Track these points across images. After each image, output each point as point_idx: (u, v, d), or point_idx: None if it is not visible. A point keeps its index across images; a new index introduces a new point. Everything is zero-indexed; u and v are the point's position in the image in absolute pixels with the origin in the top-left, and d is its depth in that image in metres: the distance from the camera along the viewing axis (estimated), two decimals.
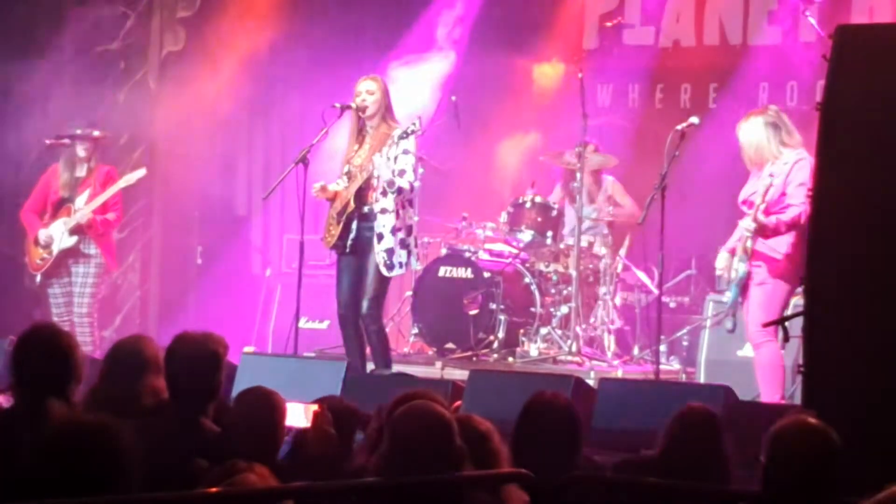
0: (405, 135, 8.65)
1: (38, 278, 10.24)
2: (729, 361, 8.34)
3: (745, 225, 7.95)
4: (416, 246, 8.98)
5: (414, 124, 8.67)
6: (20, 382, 5.06)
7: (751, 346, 8.30)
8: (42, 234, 10.11)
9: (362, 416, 5.37)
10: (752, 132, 8.13)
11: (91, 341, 9.89)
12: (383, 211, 8.71)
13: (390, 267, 8.70)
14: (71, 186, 10.14)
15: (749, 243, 8.00)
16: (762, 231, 7.97)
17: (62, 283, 10.15)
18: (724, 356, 8.43)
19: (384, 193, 8.69)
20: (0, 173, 11.57)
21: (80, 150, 10.16)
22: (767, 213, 7.99)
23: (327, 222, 8.98)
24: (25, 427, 4.80)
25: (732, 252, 8.21)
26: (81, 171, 10.17)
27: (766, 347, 8.03)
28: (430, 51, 11.72)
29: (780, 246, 8.04)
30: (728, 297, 8.25)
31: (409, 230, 8.83)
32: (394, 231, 8.70)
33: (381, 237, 8.70)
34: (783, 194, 8.00)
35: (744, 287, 8.12)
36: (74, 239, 10.04)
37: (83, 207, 10.02)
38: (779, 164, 8.05)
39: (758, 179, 8.14)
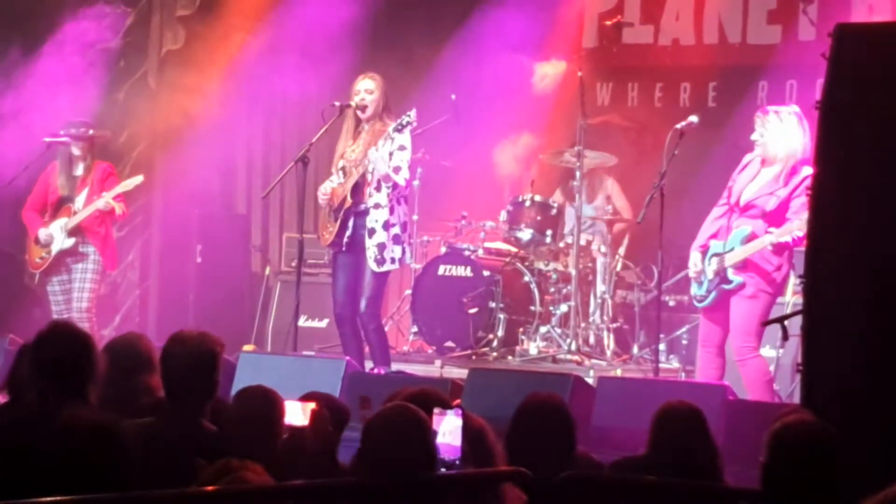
0: (400, 127, 8.63)
1: (37, 277, 10.24)
2: (728, 360, 8.33)
3: (770, 239, 7.89)
4: (411, 243, 8.95)
5: (408, 115, 8.65)
6: (39, 381, 5.02)
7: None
8: (42, 234, 10.10)
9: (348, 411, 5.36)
10: (789, 125, 8.04)
11: None
12: (376, 206, 8.70)
13: (381, 262, 8.68)
14: (69, 186, 10.13)
15: (740, 255, 7.97)
16: (779, 250, 7.96)
17: (62, 281, 10.15)
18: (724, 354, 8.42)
19: (378, 188, 8.68)
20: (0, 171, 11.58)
21: (76, 150, 10.14)
22: (771, 221, 7.97)
23: (323, 219, 8.97)
24: (44, 427, 4.77)
25: (704, 249, 8.20)
26: (79, 171, 10.17)
27: (752, 364, 8.01)
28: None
29: (774, 258, 8.02)
30: (697, 290, 8.22)
31: (405, 226, 8.81)
32: (386, 226, 8.68)
33: (372, 232, 8.68)
34: (787, 208, 7.98)
35: (723, 296, 8.09)
36: (73, 240, 10.04)
37: (82, 210, 10.01)
38: (786, 175, 8.02)
39: (752, 179, 8.10)
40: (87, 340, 5.09)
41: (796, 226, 7.78)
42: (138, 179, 10.18)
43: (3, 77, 11.47)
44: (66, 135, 10.16)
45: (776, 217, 7.96)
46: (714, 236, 8.19)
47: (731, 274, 8.00)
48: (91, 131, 10.25)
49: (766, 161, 8.07)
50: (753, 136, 8.10)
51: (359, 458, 4.33)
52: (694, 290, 8.29)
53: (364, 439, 4.31)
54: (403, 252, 8.77)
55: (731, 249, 8.02)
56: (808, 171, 7.90)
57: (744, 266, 7.98)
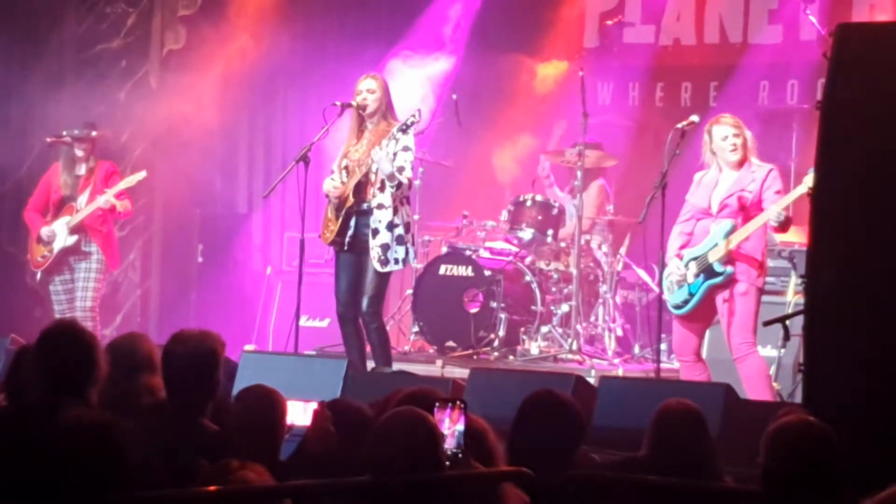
0: (405, 127, 8.61)
1: (39, 275, 10.24)
2: (729, 360, 8.33)
3: (775, 209, 7.92)
4: (414, 243, 8.94)
5: (413, 116, 8.63)
6: (43, 380, 5.00)
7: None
8: (44, 231, 10.09)
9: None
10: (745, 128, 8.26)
11: None
12: (380, 206, 8.68)
13: (384, 262, 8.66)
14: (71, 185, 10.13)
15: (732, 244, 8.02)
16: (787, 225, 8.02)
17: (64, 280, 10.14)
18: (725, 354, 8.42)
19: (382, 188, 8.67)
20: (2, 171, 11.58)
21: (78, 150, 10.15)
22: (747, 217, 8.05)
23: (325, 217, 8.96)
24: (43, 427, 4.76)
25: (679, 258, 8.25)
26: (81, 170, 10.17)
27: (750, 360, 8.04)
28: (432, 49, 11.71)
29: (756, 253, 8.07)
30: (676, 297, 8.25)
31: (408, 227, 8.80)
32: (390, 227, 8.67)
33: (376, 232, 8.67)
34: (760, 201, 8.05)
35: (708, 294, 8.12)
36: (75, 238, 10.04)
37: (84, 208, 10.01)
38: (748, 173, 8.10)
39: (715, 187, 8.17)
40: (91, 341, 5.07)
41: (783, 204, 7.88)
42: (141, 175, 10.19)
43: (5, 77, 11.47)
44: (69, 136, 10.17)
45: (753, 211, 8.09)
46: (683, 247, 8.26)
47: (718, 267, 8.04)
48: (94, 132, 10.26)
49: (743, 161, 8.13)
50: (731, 137, 8.17)
51: (366, 460, 4.31)
52: (672, 298, 8.30)
53: (372, 442, 4.30)
54: (407, 252, 8.76)
55: (714, 246, 8.06)
56: (765, 167, 8.12)
57: (729, 260, 8.03)
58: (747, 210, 8.08)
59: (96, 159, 10.24)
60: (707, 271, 8.08)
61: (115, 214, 10.10)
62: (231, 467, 4.07)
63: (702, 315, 8.24)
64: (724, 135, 8.17)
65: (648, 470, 4.91)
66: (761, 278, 8.12)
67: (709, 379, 8.15)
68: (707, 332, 9.50)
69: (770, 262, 8.76)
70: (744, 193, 8.08)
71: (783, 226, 8.04)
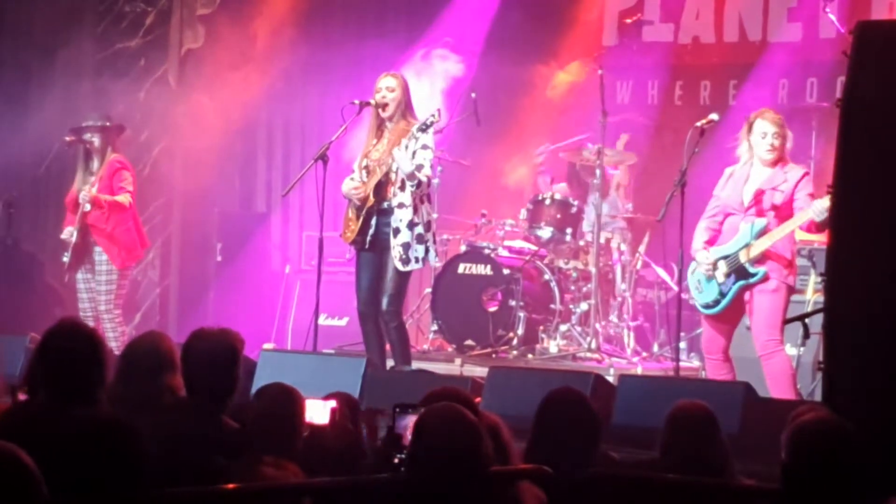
0: (424, 127, 8.62)
1: (67, 278, 10.15)
2: (748, 358, 8.31)
3: (816, 213, 7.82)
4: (434, 242, 8.95)
5: (433, 115, 8.64)
6: (44, 380, 5.01)
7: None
8: (65, 233, 10.05)
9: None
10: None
11: (115, 337, 9.83)
12: (400, 205, 8.70)
13: (406, 261, 8.68)
14: (86, 182, 10.03)
15: (766, 245, 7.97)
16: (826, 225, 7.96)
17: (86, 279, 10.09)
18: (744, 353, 8.40)
19: (402, 187, 8.68)
20: (21, 171, 11.62)
21: (96, 140, 9.96)
22: (778, 216, 8.00)
23: (346, 217, 8.97)
24: (47, 426, 4.77)
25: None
26: (95, 166, 9.99)
27: (776, 357, 8.00)
28: (452, 48, 11.70)
29: (786, 251, 8.03)
30: (706, 296, 8.20)
31: (428, 225, 8.80)
32: (410, 225, 8.68)
33: (397, 231, 8.68)
34: (792, 201, 8.00)
35: (740, 294, 8.08)
36: (75, 238, 9.86)
37: (84, 205, 9.83)
38: (781, 173, 8.06)
39: (745, 182, 8.12)
40: (94, 339, 5.05)
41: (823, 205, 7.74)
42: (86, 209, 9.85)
43: (24, 77, 11.50)
44: (83, 127, 10.07)
45: (785, 211, 8.00)
46: (710, 242, 8.20)
47: (751, 268, 8.00)
48: (107, 123, 10.11)
49: (778, 161, 8.08)
50: (770, 136, 8.09)
51: (409, 456, 4.28)
52: (701, 297, 8.24)
53: (420, 437, 4.26)
54: (427, 251, 8.77)
55: (745, 245, 8.00)
56: (799, 170, 8.09)
57: (760, 260, 7.98)
58: (778, 210, 8.01)
59: (112, 152, 10.04)
60: (739, 272, 8.03)
61: (123, 210, 9.84)
62: (264, 463, 4.06)
63: (731, 315, 8.19)
64: (764, 131, 8.06)
65: (662, 472, 4.90)
66: (792, 276, 8.06)
67: (734, 378, 8.11)
68: None
69: None
70: (775, 193, 8.02)
71: (824, 225, 7.91)
